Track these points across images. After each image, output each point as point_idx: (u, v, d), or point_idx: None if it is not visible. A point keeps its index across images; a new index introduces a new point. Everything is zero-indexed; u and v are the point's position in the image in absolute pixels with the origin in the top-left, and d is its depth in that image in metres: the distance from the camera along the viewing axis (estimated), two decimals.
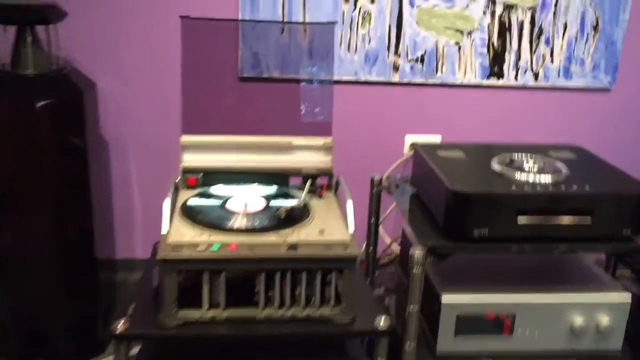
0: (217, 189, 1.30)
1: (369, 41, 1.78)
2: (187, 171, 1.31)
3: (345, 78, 1.80)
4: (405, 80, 1.82)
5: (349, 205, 1.17)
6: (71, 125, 1.55)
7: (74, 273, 1.62)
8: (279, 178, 1.33)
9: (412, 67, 1.81)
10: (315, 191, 1.30)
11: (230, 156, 1.33)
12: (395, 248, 1.78)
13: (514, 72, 1.85)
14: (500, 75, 1.84)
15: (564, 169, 1.20)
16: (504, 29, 1.80)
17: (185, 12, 1.38)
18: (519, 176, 1.15)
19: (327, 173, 1.33)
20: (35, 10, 1.50)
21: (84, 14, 1.70)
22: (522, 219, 1.09)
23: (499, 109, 1.90)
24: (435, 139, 1.91)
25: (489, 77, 1.84)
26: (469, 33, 1.79)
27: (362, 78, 1.80)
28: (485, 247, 1.10)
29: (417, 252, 1.08)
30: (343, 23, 1.75)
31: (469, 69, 1.83)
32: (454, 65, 1.82)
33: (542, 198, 1.09)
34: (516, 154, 1.26)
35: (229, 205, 1.21)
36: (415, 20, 1.77)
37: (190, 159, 1.32)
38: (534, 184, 1.12)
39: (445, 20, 1.78)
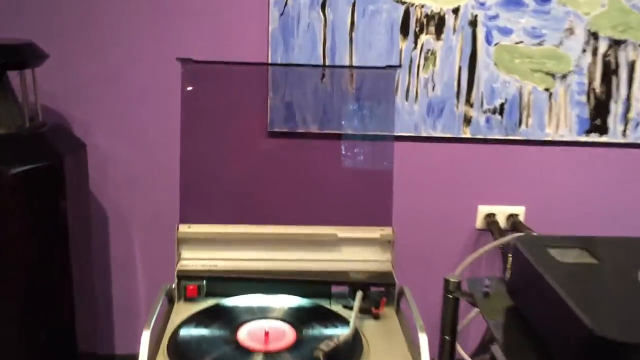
0: (227, 304, 0.90)
1: (433, 87, 1.46)
2: (184, 276, 0.92)
3: (402, 133, 1.48)
4: (480, 136, 1.50)
5: (423, 341, 0.76)
6: (47, 198, 1.21)
7: None
8: (316, 287, 0.93)
9: (488, 120, 1.48)
10: (368, 308, 0.90)
11: (247, 254, 0.94)
12: None
13: (622, 127, 1.50)
14: (603, 130, 1.49)
15: None
16: (609, 71, 1.46)
17: (201, 54, 1.03)
18: None
19: (387, 281, 0.92)
20: (4, 51, 1.17)
21: (69, 56, 1.38)
22: None
23: (601, 172, 1.54)
24: (517, 211, 1.52)
25: (588, 132, 1.50)
26: (563, 76, 1.46)
27: (424, 133, 1.49)
28: None
29: None
30: (400, 65, 1.45)
31: (563, 122, 1.50)
32: (542, 118, 1.49)
33: None
34: None
35: (240, 337, 0.81)
36: (493, 60, 1.44)
37: (190, 259, 0.94)
38: None
39: (532, 61, 1.45)
